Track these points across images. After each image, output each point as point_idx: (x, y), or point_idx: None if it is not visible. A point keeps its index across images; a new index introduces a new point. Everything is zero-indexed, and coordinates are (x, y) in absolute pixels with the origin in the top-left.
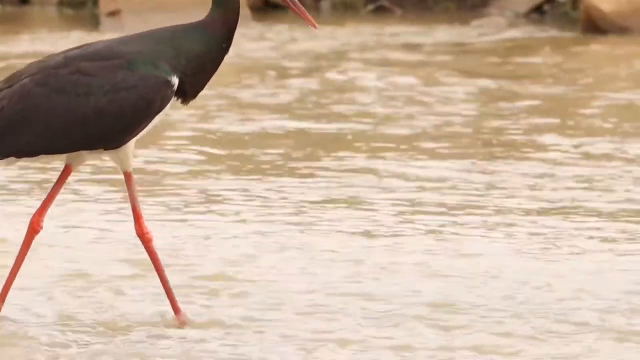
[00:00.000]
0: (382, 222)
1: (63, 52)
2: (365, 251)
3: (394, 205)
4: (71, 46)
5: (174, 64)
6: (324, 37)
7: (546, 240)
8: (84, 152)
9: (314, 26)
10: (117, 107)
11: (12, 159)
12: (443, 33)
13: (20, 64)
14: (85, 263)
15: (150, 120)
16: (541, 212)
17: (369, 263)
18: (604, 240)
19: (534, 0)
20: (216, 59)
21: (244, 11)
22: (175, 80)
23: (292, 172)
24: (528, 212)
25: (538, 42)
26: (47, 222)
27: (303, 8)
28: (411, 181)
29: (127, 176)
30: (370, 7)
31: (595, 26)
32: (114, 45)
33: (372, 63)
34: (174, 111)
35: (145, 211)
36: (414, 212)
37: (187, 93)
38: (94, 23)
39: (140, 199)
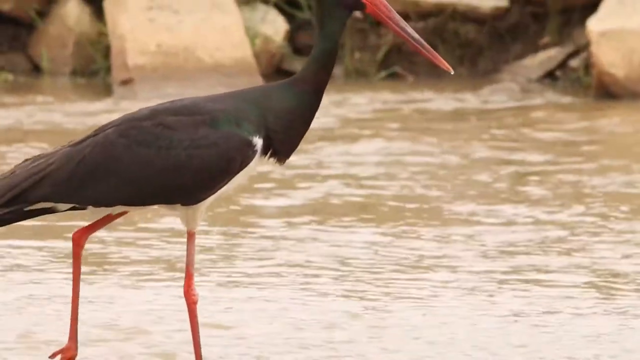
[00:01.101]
0: None
1: (152, 106)
2: None
3: None
4: (83, 115)
5: (259, 123)
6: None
7: None
8: (160, 206)
9: (449, 69)
10: (196, 163)
11: (102, 209)
12: (452, 99)
13: (32, 133)
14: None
15: (228, 180)
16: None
17: None
18: None
19: (546, 65)
20: (306, 116)
21: (256, 79)
22: (257, 140)
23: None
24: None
25: (548, 108)
26: None
27: (434, 52)
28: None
29: (191, 235)
30: (383, 73)
31: (608, 92)
32: (201, 101)
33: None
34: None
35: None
36: None
37: (278, 151)
38: (106, 92)
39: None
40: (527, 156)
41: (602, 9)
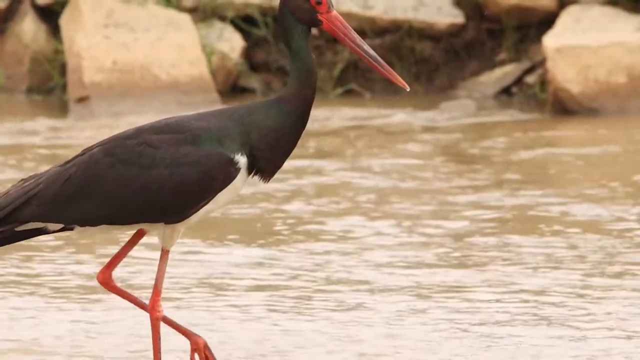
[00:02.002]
0: None
1: (139, 126)
2: None
3: None
4: (39, 132)
5: (242, 141)
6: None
7: None
8: (144, 225)
9: (405, 87)
10: (177, 181)
11: (86, 228)
12: (409, 116)
13: None
14: None
15: (211, 198)
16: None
17: None
18: None
19: (502, 82)
20: (292, 134)
21: (212, 96)
22: (239, 158)
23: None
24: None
25: (505, 125)
26: None
27: (390, 68)
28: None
29: (165, 253)
30: (339, 90)
31: (564, 108)
32: (185, 120)
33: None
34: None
35: None
36: None
37: (262, 169)
38: (62, 109)
39: None
40: (481, 173)
41: (558, 26)
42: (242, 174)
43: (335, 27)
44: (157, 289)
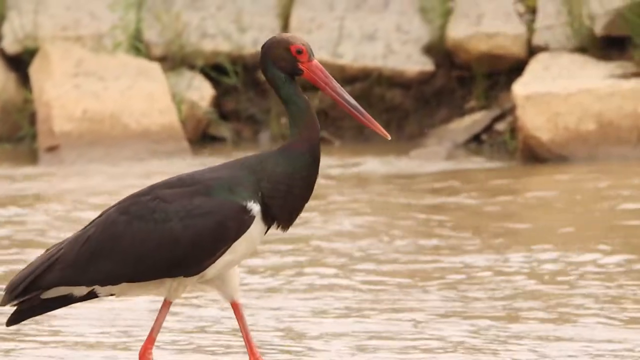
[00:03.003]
0: None
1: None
2: None
3: None
4: (8, 181)
5: (254, 189)
6: None
7: None
8: (166, 280)
9: (386, 136)
10: (192, 233)
11: (109, 288)
12: (379, 164)
13: None
14: None
15: (226, 248)
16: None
17: None
18: None
19: (472, 129)
20: (304, 179)
21: (182, 144)
22: (253, 206)
23: None
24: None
25: (475, 172)
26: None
27: (371, 117)
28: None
29: (167, 304)
30: None
31: (534, 155)
32: (197, 173)
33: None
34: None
35: None
36: None
37: (278, 217)
38: (32, 158)
39: None
40: (451, 222)
41: (527, 73)
42: (258, 222)
43: (316, 76)
44: (151, 337)
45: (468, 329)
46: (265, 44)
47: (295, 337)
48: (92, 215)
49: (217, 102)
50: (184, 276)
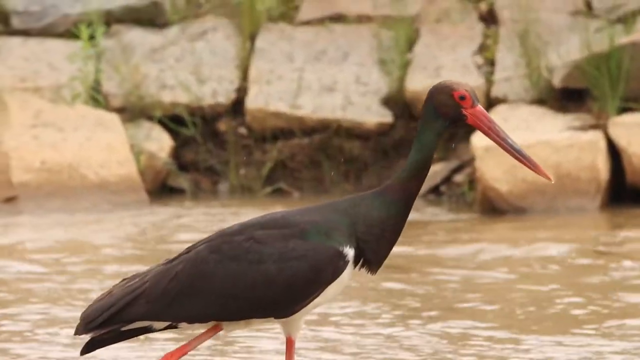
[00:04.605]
0: None
1: (243, 222)
2: None
3: None
4: None
5: (349, 233)
6: (231, 220)
7: None
8: (253, 320)
9: (550, 179)
10: (286, 276)
11: (195, 325)
12: None
13: None
14: None
15: (320, 291)
16: None
17: None
18: None
19: (430, 181)
20: (396, 225)
21: (141, 195)
22: (348, 251)
23: None
24: None
25: (433, 224)
26: None
27: (535, 162)
28: None
29: (290, 342)
30: (268, 189)
31: (493, 207)
32: (291, 214)
33: None
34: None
35: None
36: None
37: (369, 261)
38: None
39: None
40: (408, 277)
41: None
42: (350, 266)
43: (479, 122)
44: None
45: None
46: (430, 89)
47: None
48: (48, 268)
49: (176, 153)
50: (274, 318)
